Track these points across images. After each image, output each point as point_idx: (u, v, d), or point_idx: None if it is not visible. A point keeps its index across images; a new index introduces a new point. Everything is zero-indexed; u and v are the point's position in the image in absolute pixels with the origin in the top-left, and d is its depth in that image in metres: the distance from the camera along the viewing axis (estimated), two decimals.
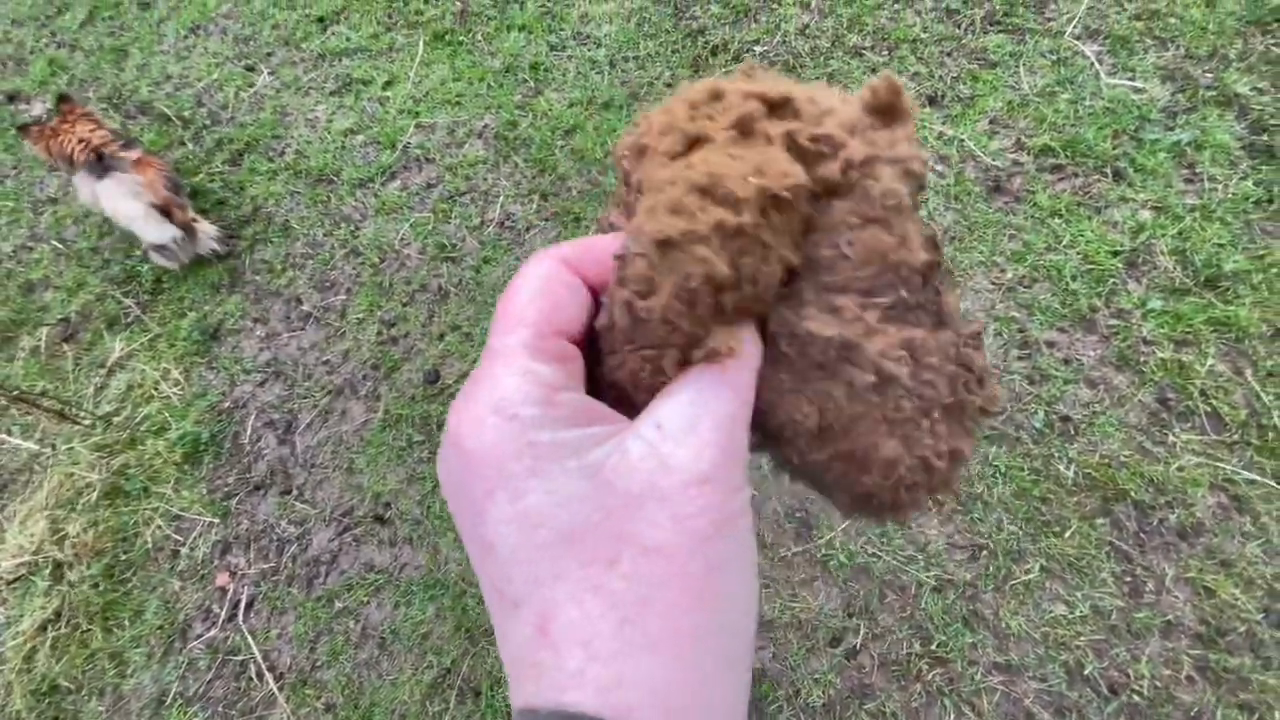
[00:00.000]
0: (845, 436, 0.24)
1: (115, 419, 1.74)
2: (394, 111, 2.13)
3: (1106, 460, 1.34)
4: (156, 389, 1.78)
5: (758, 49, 1.98)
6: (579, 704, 0.18)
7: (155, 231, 1.78)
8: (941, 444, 0.24)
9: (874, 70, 1.87)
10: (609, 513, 0.20)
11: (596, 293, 0.24)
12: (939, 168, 1.70)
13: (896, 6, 1.97)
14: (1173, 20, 1.77)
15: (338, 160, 2.08)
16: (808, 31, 1.98)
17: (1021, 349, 1.46)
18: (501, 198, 1.91)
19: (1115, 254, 1.50)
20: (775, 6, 2.05)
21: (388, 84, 2.20)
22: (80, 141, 1.83)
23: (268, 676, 1.43)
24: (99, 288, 2.00)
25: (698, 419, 0.21)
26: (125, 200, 1.74)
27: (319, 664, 1.44)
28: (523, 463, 0.20)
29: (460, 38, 2.25)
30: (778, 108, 0.23)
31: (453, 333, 1.73)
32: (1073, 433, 1.37)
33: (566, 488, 0.20)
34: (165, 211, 1.77)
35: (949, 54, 1.85)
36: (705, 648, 0.20)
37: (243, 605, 1.51)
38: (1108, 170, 1.61)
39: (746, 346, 0.23)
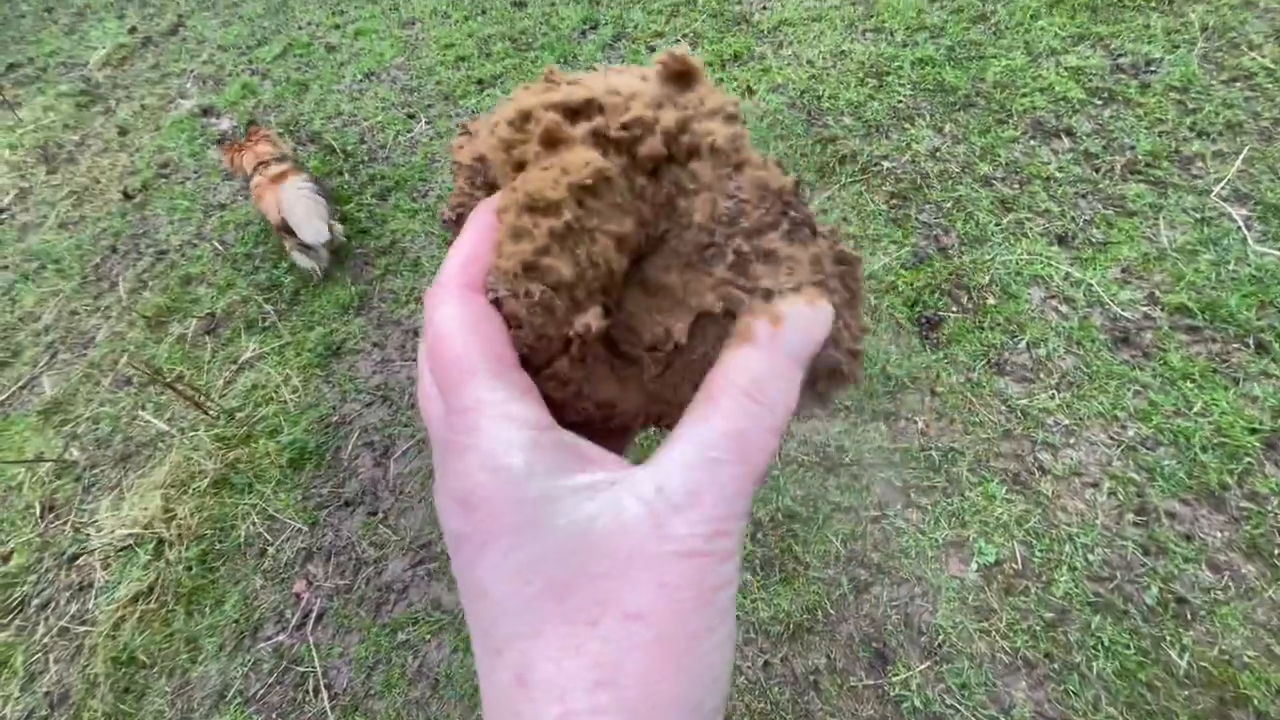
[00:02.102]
0: None
1: (238, 414, 1.89)
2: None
3: (1227, 657, 1.23)
4: (277, 393, 1.93)
5: (885, 164, 2.03)
6: None
7: (313, 231, 1.97)
8: (855, 332, 0.27)
9: (1002, 201, 1.88)
10: (595, 575, 0.20)
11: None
12: (1063, 309, 1.67)
13: (1033, 143, 1.99)
14: None
15: None
16: (938, 154, 2.02)
17: (1138, 515, 1.38)
18: None
19: (1253, 431, 1.42)
20: (908, 126, 2.11)
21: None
22: (257, 159, 2.10)
23: (324, 694, 1.46)
24: (245, 291, 2.21)
25: (702, 489, 0.21)
26: (298, 199, 1.96)
27: (373, 692, 1.46)
28: (515, 517, 0.20)
29: None
30: (579, 112, 0.25)
31: None
32: (1189, 617, 1.27)
33: (556, 546, 0.20)
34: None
35: (1083, 196, 1.85)
36: (675, 715, 0.20)
37: (313, 616, 1.57)
38: (1250, 341, 1.53)
39: (781, 376, 0.23)
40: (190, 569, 1.66)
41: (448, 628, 1.51)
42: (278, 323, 2.11)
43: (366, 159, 2.52)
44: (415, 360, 1.95)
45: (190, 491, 1.75)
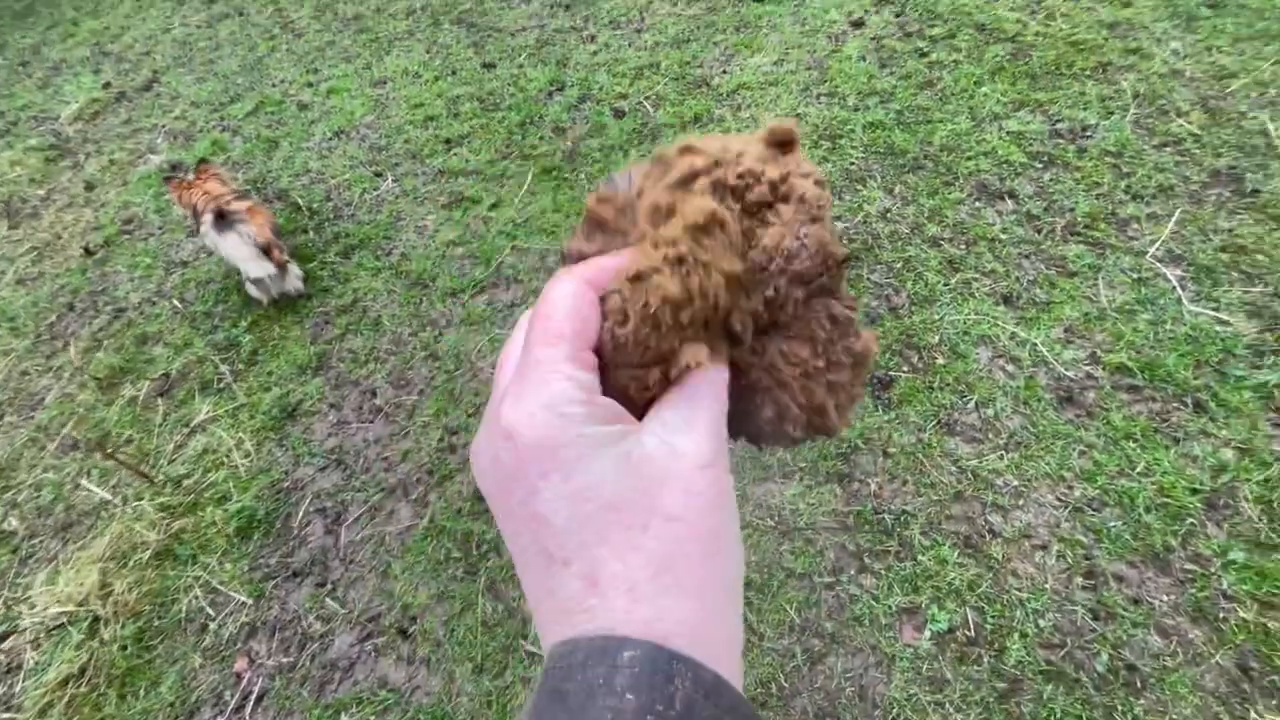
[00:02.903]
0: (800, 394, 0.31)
1: (185, 481, 1.84)
2: (495, 231, 2.33)
3: None
4: (228, 457, 1.89)
5: (839, 225, 2.09)
6: (629, 634, 0.23)
7: (257, 268, 2.08)
8: (854, 390, 0.32)
9: (950, 262, 1.93)
10: (640, 490, 0.25)
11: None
12: (1009, 368, 1.70)
13: (978, 204, 2.06)
14: (1260, 257, 1.78)
15: (436, 267, 2.27)
16: (889, 215, 2.08)
17: (1087, 578, 1.38)
18: None
19: (1194, 492, 1.44)
20: (860, 188, 2.18)
21: (494, 205, 2.42)
22: (205, 194, 2.13)
23: None
24: (202, 350, 2.19)
25: (693, 418, 0.27)
26: (239, 245, 2.06)
27: None
28: (573, 450, 0.25)
29: (565, 174, 2.47)
30: (707, 168, 0.30)
31: None
32: (1139, 685, 1.27)
33: (607, 471, 0.25)
34: (266, 251, 2.07)
35: (1027, 256, 1.91)
36: (716, 589, 0.25)
37: (253, 698, 1.50)
38: (1188, 400, 1.57)
39: (714, 362, 0.29)
40: (125, 648, 1.59)
41: (394, 708, 1.46)
42: (233, 384, 2.08)
43: (332, 216, 2.53)
44: (373, 423, 1.92)
45: (130, 565, 1.69)
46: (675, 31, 3.03)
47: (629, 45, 3.02)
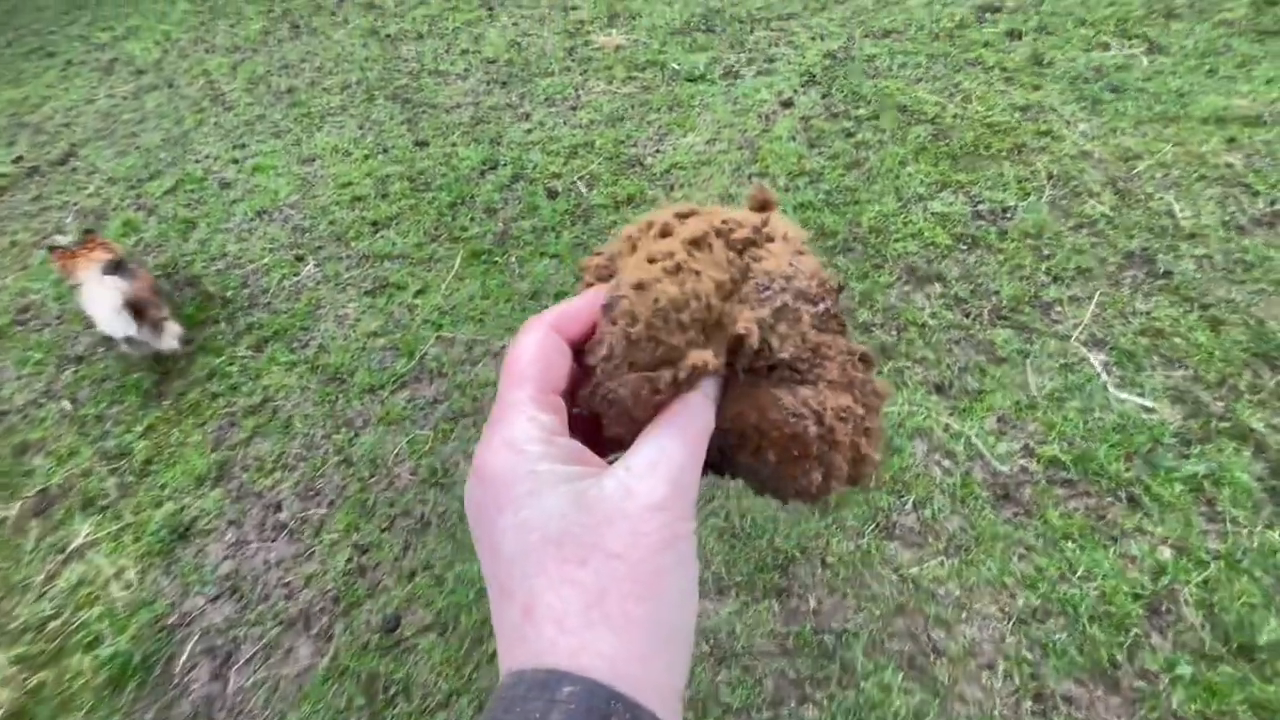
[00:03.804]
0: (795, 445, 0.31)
1: (50, 624, 1.62)
2: (419, 320, 2.22)
3: None
4: (105, 590, 1.68)
5: None
6: (555, 664, 0.24)
7: (121, 327, 1.98)
8: (866, 446, 0.33)
9: (882, 349, 1.91)
10: (585, 527, 0.26)
11: (575, 346, 0.31)
12: (945, 463, 1.66)
13: (907, 288, 2.06)
14: (1178, 341, 1.80)
15: (355, 360, 2.14)
16: None
17: (1035, 701, 1.30)
18: None
19: (1136, 597, 1.39)
20: None
21: (420, 292, 2.32)
22: (91, 262, 2.00)
23: None
24: (89, 460, 1.99)
25: (657, 463, 0.28)
26: (102, 302, 1.98)
27: None
28: (525, 485, 0.26)
29: (496, 258, 2.40)
30: (687, 215, 0.33)
31: (424, 572, 1.64)
32: None
33: (556, 506, 0.26)
34: (139, 312, 2.00)
35: (957, 342, 1.90)
36: (650, 630, 0.26)
37: None
38: (1122, 495, 1.55)
39: (701, 406, 0.30)
40: None
41: None
42: (119, 500, 1.88)
43: (246, 305, 2.39)
44: (275, 542, 1.75)
45: None
46: (610, 110, 3.05)
47: (564, 123, 3.02)
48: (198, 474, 1.90)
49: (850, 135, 2.65)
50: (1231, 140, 2.35)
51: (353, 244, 2.55)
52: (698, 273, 0.29)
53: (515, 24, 4.00)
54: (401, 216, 2.62)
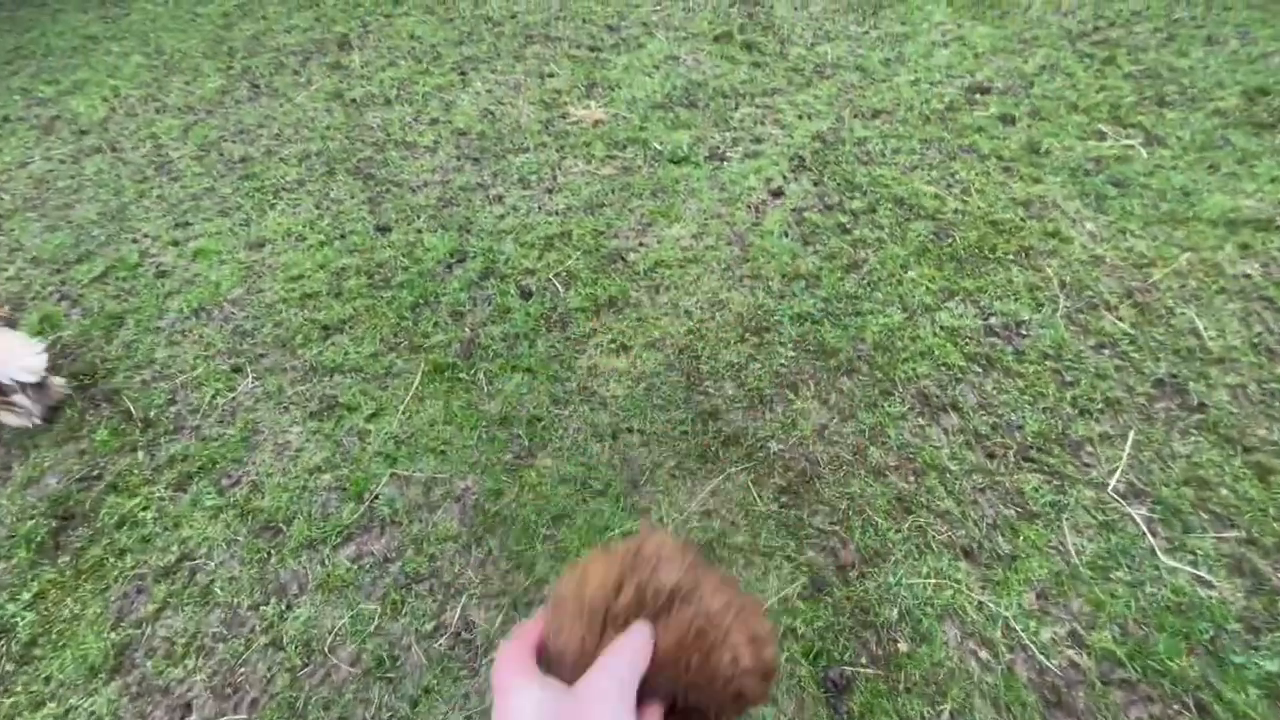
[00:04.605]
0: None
1: None
2: (372, 451, 1.94)
3: None
4: None
5: (773, 446, 1.83)
6: None
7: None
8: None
9: (899, 499, 1.69)
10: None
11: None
12: (983, 654, 1.43)
13: (921, 420, 1.85)
14: (1225, 493, 1.62)
15: (294, 504, 1.84)
16: (827, 434, 1.85)
17: None
18: (465, 596, 1.62)
19: None
20: (792, 397, 1.95)
21: (374, 415, 2.05)
22: None
23: None
24: None
25: (607, 687, 0.41)
26: None
27: None
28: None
29: (461, 372, 2.14)
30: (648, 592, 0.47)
31: None
32: None
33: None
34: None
35: (982, 491, 1.69)
36: None
37: None
38: (1189, 700, 1.33)
39: (636, 640, 0.44)
40: None
41: None
42: None
43: (171, 429, 2.08)
44: None
45: None
46: (589, 194, 2.85)
47: (539, 208, 2.81)
48: (92, 662, 1.57)
49: (846, 231, 2.48)
50: (1245, 247, 2.23)
51: (299, 352, 2.27)
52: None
53: (489, 90, 3.81)
54: (356, 319, 2.36)
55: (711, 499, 1.73)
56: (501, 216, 2.79)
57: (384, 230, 2.79)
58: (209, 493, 1.90)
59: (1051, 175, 2.63)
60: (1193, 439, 1.73)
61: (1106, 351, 1.96)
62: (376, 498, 1.84)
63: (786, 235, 2.50)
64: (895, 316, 2.13)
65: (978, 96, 3.19)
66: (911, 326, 2.10)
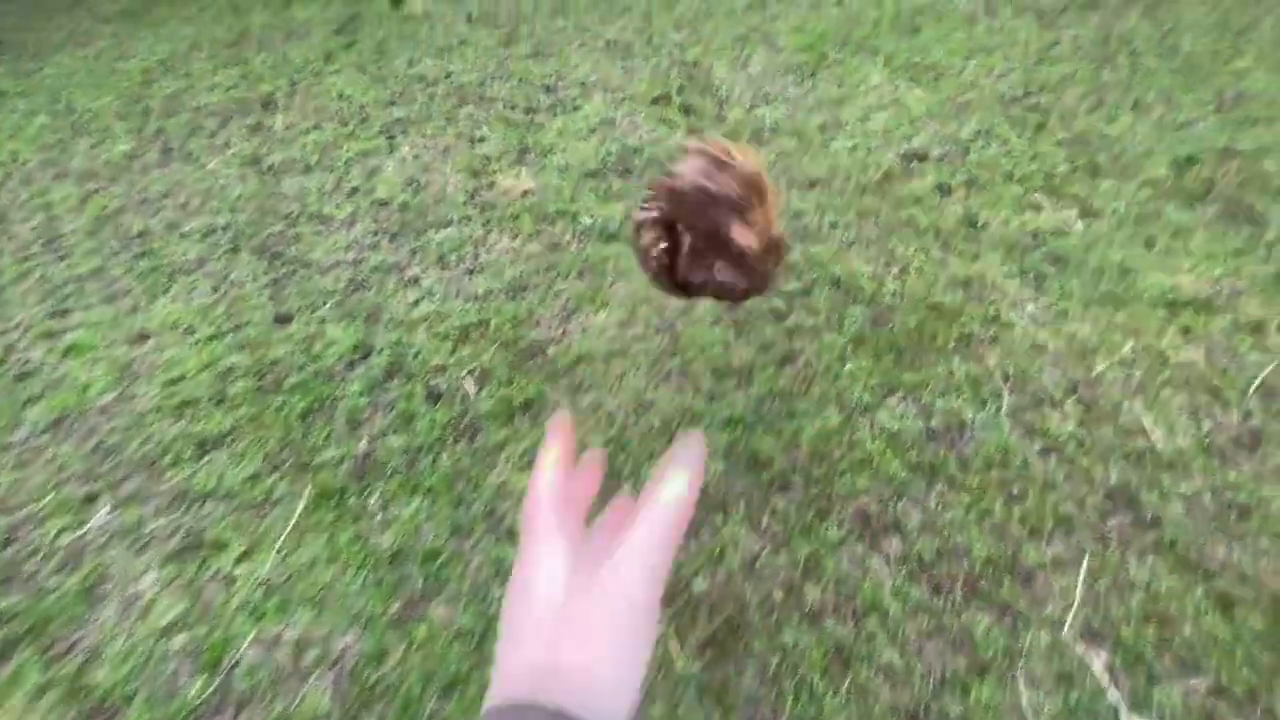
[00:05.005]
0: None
1: None
2: (236, 604, 1.67)
3: None
4: None
5: (698, 585, 1.62)
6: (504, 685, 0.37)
7: None
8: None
9: (838, 650, 1.49)
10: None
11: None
12: None
13: (859, 546, 1.67)
14: (1189, 632, 1.47)
15: (135, 678, 1.55)
16: (757, 568, 1.65)
17: None
18: None
19: None
20: (720, 521, 1.75)
21: (244, 555, 1.77)
22: None
23: None
24: None
25: (631, 554, 0.39)
26: None
27: None
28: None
29: (352, 497, 1.89)
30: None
31: None
32: None
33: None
34: None
35: (929, 636, 1.50)
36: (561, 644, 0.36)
37: None
38: None
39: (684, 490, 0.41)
40: None
41: None
42: None
43: (1, 580, 1.77)
44: None
45: None
46: (512, 275, 2.66)
47: (456, 293, 2.60)
48: None
49: (780, 318, 2.34)
50: (1187, 330, 2.15)
51: (167, 474, 1.99)
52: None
53: (416, 156, 3.63)
54: (238, 431, 2.09)
55: None
56: (415, 303, 2.57)
57: (284, 320, 2.54)
58: (33, 664, 1.59)
59: (990, 251, 2.55)
60: (1149, 562, 1.59)
61: (1054, 457, 1.83)
62: (236, 665, 1.56)
63: (718, 323, 2.34)
64: (833, 418, 1.97)
65: (914, 164, 3.13)
66: (850, 429, 1.94)
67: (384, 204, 3.23)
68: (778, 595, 1.59)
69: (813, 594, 1.59)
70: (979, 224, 2.70)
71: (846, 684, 1.43)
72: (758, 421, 1.98)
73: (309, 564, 1.74)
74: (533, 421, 2.06)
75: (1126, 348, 2.10)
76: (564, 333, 2.38)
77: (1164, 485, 1.74)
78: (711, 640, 1.52)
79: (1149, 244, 2.50)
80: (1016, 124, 3.33)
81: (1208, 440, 1.83)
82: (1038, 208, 2.76)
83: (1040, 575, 1.59)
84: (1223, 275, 2.33)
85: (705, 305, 2.43)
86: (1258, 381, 1.96)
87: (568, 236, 2.87)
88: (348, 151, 3.75)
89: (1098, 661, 1.44)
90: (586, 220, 2.93)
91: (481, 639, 1.55)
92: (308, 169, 3.62)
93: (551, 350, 2.30)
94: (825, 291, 2.43)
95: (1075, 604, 1.52)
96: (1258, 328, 2.12)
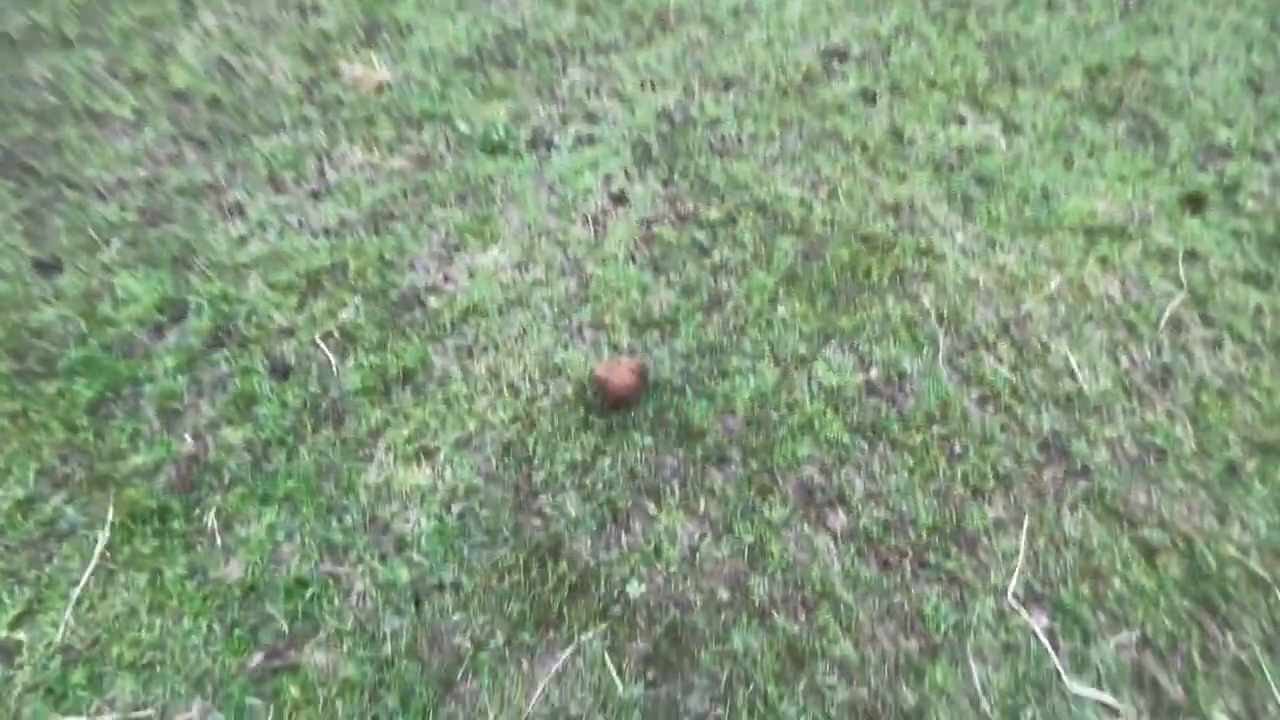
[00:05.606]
0: None
1: None
2: (23, 684, 1.24)
3: None
4: None
5: (634, 588, 1.41)
6: None
7: None
8: None
9: (790, 651, 1.35)
10: None
11: None
12: None
13: (806, 526, 1.52)
14: (1118, 584, 1.48)
15: None
16: (697, 561, 1.46)
17: None
18: None
19: None
20: (652, 506, 1.53)
21: (24, 616, 1.31)
22: None
23: None
24: None
25: None
26: None
27: None
28: None
29: (178, 517, 1.45)
30: None
31: None
32: None
33: None
34: None
35: (880, 620, 1.41)
36: None
37: None
38: None
39: None
40: None
41: None
42: None
43: None
44: None
45: None
46: (372, 200, 2.11)
47: (299, 224, 2.03)
48: None
49: (705, 252, 2.04)
50: (1104, 260, 2.11)
51: None
52: None
53: (225, 29, 2.78)
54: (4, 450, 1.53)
55: (557, 688, 1.28)
56: (242, 239, 1.98)
57: (48, 269, 1.87)
58: None
59: (917, 170, 2.36)
60: (1081, 515, 1.58)
61: (990, 408, 1.75)
62: None
63: (634, 260, 2.00)
64: (768, 375, 1.76)
65: (835, 64, 2.82)
66: (787, 388, 1.74)
67: (183, 98, 2.45)
68: (723, 594, 1.42)
69: (760, 587, 1.43)
70: (905, 138, 2.48)
71: (801, 686, 1.31)
72: (687, 383, 1.73)
73: (125, 616, 1.32)
74: (416, 397, 1.67)
75: (1053, 283, 2.03)
76: (445, 277, 1.94)
77: (1090, 431, 1.72)
78: (654, 656, 1.33)
79: (1067, 164, 2.42)
80: (936, 19, 3.07)
81: (1125, 379, 1.83)
82: (961, 120, 2.58)
83: (983, 538, 1.53)
84: (1133, 199, 2.30)
85: (621, 233, 2.07)
86: (1166, 314, 1.97)
87: (440, 146, 2.32)
88: (122, 17, 2.80)
89: (1039, 625, 1.42)
90: (463, 126, 2.38)
91: (374, 694, 1.26)
92: (67, 42, 2.66)
93: (432, 301, 1.87)
94: (751, 219, 2.14)
95: (1018, 566, 1.48)
96: (1166, 256, 2.13)
